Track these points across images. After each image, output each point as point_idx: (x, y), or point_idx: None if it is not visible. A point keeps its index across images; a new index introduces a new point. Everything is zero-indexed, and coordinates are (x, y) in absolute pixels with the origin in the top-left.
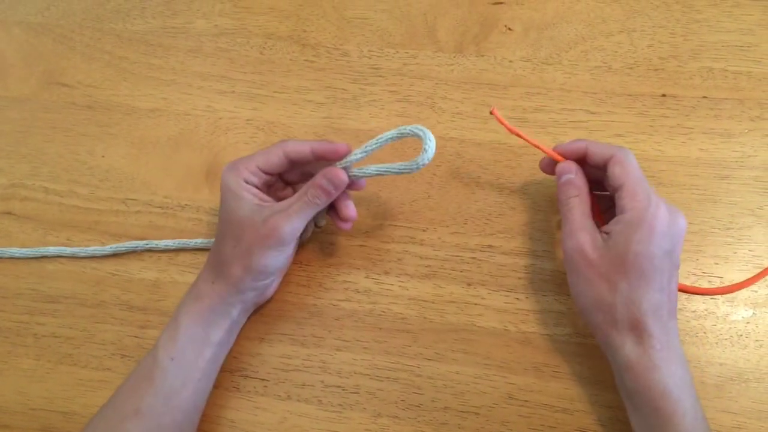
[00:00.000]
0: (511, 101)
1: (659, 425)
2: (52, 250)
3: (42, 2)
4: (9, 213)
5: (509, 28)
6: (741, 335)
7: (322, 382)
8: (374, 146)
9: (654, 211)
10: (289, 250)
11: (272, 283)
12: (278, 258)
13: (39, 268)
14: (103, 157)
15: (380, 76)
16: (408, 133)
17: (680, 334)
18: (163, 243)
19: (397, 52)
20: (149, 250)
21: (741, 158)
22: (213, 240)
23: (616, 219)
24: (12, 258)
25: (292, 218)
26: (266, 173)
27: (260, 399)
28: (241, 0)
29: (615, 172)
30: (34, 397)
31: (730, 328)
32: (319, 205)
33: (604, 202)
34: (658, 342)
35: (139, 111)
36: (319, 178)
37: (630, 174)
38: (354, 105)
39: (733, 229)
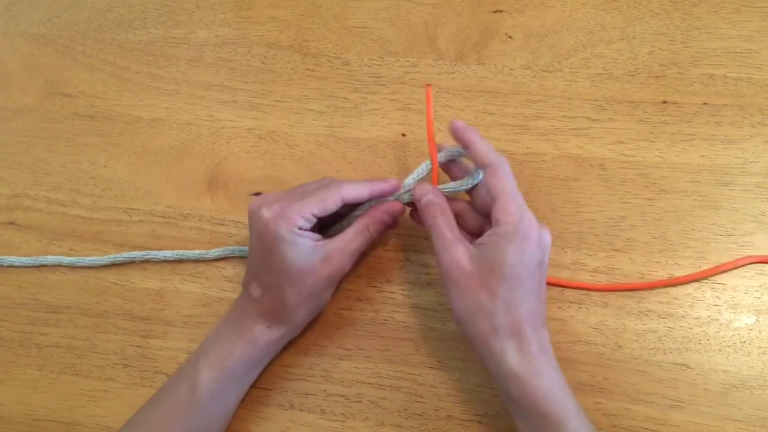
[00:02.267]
0: (512, 109)
1: (549, 430)
2: (51, 258)
3: (44, 13)
4: (12, 223)
5: (509, 36)
6: (744, 342)
7: (325, 391)
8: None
9: (527, 225)
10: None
11: None
12: (333, 289)
13: (41, 278)
14: (105, 166)
15: (381, 84)
16: (456, 154)
17: (683, 341)
18: (162, 254)
19: (398, 60)
20: (148, 261)
21: (743, 164)
22: (210, 252)
23: (490, 231)
24: (12, 266)
25: (352, 252)
26: (318, 217)
27: (263, 409)
28: (242, 10)
29: (491, 182)
30: (36, 408)
31: (733, 335)
32: (373, 236)
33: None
34: (535, 347)
35: (141, 121)
36: (380, 215)
37: (505, 187)
38: (355, 114)
39: (735, 235)
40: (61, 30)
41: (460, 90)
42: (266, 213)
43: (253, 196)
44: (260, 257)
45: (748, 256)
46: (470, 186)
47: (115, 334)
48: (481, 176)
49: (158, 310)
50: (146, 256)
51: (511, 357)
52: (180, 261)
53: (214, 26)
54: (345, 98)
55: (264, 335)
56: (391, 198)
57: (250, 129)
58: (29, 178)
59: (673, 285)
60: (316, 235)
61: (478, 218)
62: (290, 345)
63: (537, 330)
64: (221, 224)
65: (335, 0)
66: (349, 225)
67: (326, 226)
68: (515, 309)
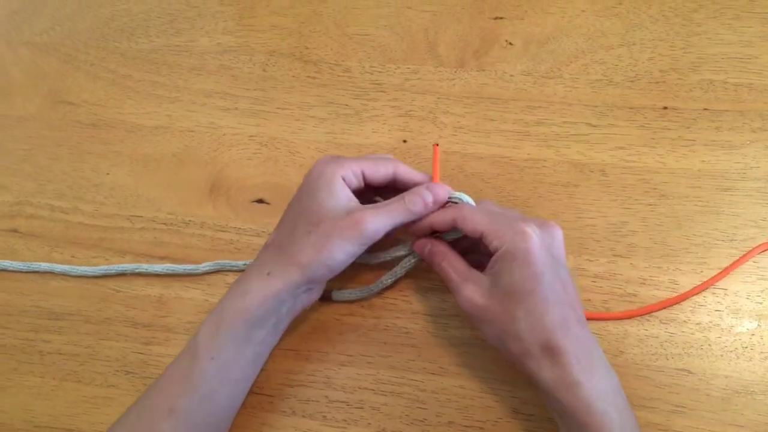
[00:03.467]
0: (512, 115)
1: None
2: (43, 266)
3: (47, 22)
4: (15, 230)
5: (510, 43)
6: (746, 347)
7: (327, 397)
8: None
9: (521, 237)
10: (361, 250)
11: (321, 287)
12: (350, 254)
13: (43, 285)
14: (107, 174)
15: (382, 91)
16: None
17: (685, 346)
18: (152, 267)
19: (399, 67)
20: (139, 275)
21: (743, 170)
22: (200, 266)
23: (493, 259)
24: (4, 270)
25: (380, 216)
26: (366, 182)
27: (265, 415)
28: (243, 18)
29: (467, 229)
30: (39, 415)
31: (735, 340)
32: (410, 213)
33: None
34: (573, 356)
35: (144, 128)
36: (422, 189)
37: (479, 222)
38: (356, 120)
39: (736, 240)
40: (64, 39)
41: (460, 96)
42: (321, 160)
43: None
44: (294, 200)
45: (761, 245)
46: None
47: (116, 341)
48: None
49: (160, 317)
50: (136, 270)
51: (547, 373)
52: (167, 275)
53: (216, 34)
54: (346, 105)
55: (259, 284)
56: (403, 267)
57: (251, 136)
58: (32, 186)
59: (690, 296)
60: (356, 200)
61: None
62: (292, 351)
63: (573, 335)
64: (223, 231)
65: (336, 8)
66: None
67: None
68: (541, 325)
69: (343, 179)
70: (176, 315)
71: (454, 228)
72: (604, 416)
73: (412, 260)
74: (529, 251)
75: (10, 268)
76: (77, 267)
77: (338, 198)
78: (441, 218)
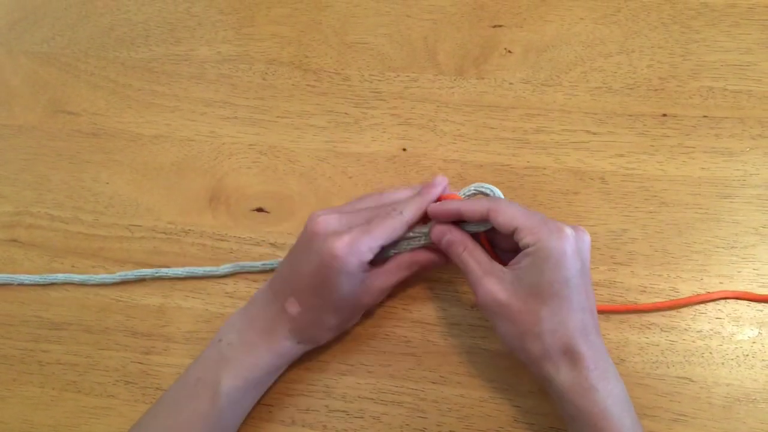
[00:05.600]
0: (511, 123)
1: None
2: (60, 276)
3: (48, 32)
4: (14, 240)
5: (509, 51)
6: (747, 355)
7: (327, 406)
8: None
9: (557, 236)
10: None
11: None
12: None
13: (43, 295)
14: (107, 183)
15: (381, 99)
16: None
17: (686, 354)
18: (172, 271)
19: (398, 75)
20: (159, 278)
21: (743, 177)
22: (219, 268)
23: (523, 253)
24: (21, 285)
25: (389, 290)
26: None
27: (265, 425)
28: (243, 27)
29: (500, 222)
30: (38, 425)
31: (736, 348)
32: (413, 275)
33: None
34: (591, 362)
35: (143, 137)
36: (424, 259)
37: (515, 216)
38: (356, 129)
39: (736, 248)
40: (64, 48)
41: (460, 104)
42: (338, 245)
43: (317, 212)
44: (309, 279)
45: (723, 291)
46: (490, 226)
47: (116, 350)
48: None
49: (160, 327)
50: (156, 274)
51: (565, 376)
52: (185, 278)
53: (216, 43)
54: (346, 113)
55: (292, 349)
56: (411, 245)
57: (251, 145)
58: (32, 196)
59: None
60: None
61: (510, 235)
62: None
63: (590, 342)
64: (223, 240)
65: (335, 16)
66: (394, 256)
67: None
68: (563, 328)
69: (366, 262)
70: (176, 324)
71: (484, 219)
72: (619, 422)
73: (422, 241)
74: (564, 252)
75: (27, 282)
76: (95, 276)
77: (358, 280)
78: (473, 207)
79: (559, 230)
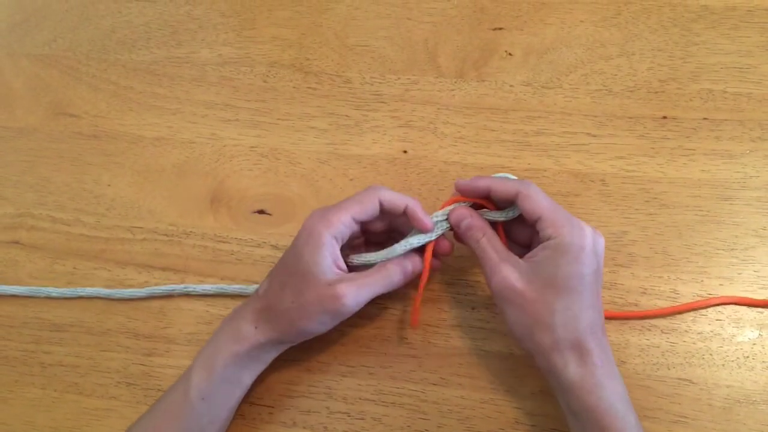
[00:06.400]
0: (512, 125)
1: None
2: (89, 290)
3: (49, 34)
4: (16, 242)
5: (509, 53)
6: (747, 357)
7: (328, 408)
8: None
9: (579, 233)
10: (338, 322)
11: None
12: (327, 326)
13: (45, 297)
14: (109, 185)
15: (382, 102)
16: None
17: (686, 356)
18: (201, 288)
19: (399, 78)
20: (187, 295)
21: (743, 179)
22: (250, 287)
23: (542, 245)
24: (48, 297)
25: (362, 290)
26: (358, 222)
27: (266, 426)
28: (244, 30)
29: (526, 207)
30: (40, 427)
31: (737, 349)
32: (392, 284)
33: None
34: (599, 359)
35: (145, 140)
36: (403, 260)
37: (542, 205)
38: (357, 131)
39: (737, 250)
40: (66, 51)
41: (460, 107)
42: (312, 216)
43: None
44: (285, 256)
45: (722, 297)
46: (511, 217)
47: (118, 352)
48: (518, 211)
49: (161, 328)
50: (185, 290)
51: (573, 370)
52: (214, 295)
53: (217, 46)
54: (346, 116)
55: (249, 335)
56: (426, 236)
57: (252, 147)
58: (33, 198)
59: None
60: (343, 264)
61: (526, 229)
62: (292, 362)
63: (598, 340)
64: (224, 242)
65: (336, 19)
66: (376, 264)
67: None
68: (575, 322)
69: (335, 238)
70: (177, 326)
71: (512, 201)
72: (624, 419)
73: (444, 226)
74: (583, 249)
75: (55, 295)
76: (124, 290)
77: (324, 265)
78: (504, 187)
79: (581, 228)
